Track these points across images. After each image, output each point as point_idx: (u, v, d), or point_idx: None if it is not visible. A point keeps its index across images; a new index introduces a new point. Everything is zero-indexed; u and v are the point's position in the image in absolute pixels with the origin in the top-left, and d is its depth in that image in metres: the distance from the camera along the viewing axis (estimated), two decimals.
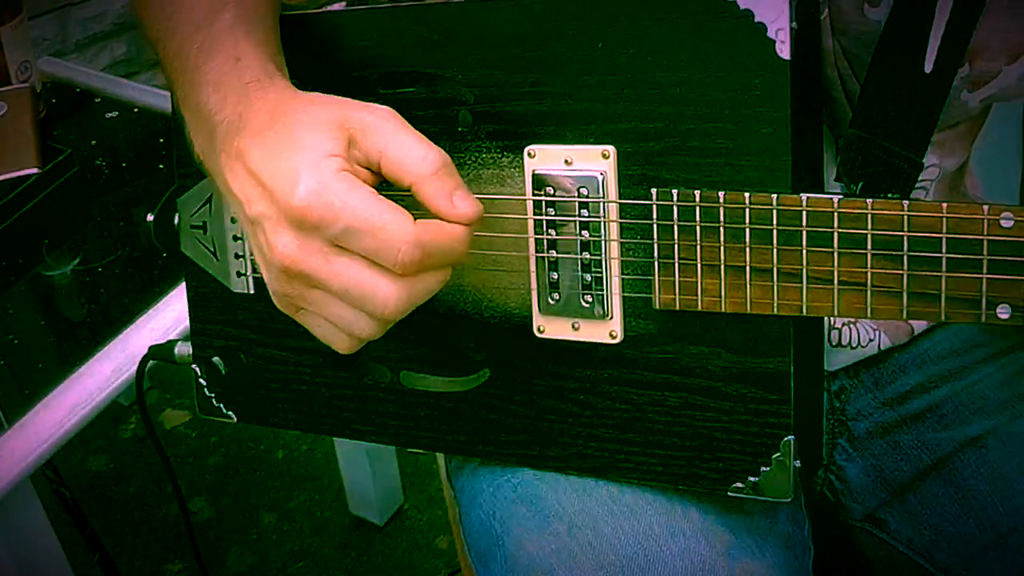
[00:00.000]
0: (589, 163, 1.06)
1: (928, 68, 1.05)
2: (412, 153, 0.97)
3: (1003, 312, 0.99)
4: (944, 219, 0.98)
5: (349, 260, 0.95)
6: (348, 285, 0.96)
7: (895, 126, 1.07)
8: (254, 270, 1.22)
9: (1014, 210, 0.97)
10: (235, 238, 1.22)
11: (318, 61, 1.14)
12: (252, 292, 1.23)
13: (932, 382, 1.32)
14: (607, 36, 1.04)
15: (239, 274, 1.23)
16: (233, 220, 1.22)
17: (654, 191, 1.04)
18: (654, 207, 1.05)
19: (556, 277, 1.09)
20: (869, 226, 1.00)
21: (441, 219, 0.97)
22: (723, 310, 1.05)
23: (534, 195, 1.08)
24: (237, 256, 1.23)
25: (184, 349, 1.29)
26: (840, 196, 1.01)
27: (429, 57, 1.10)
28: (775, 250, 1.02)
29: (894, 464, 1.31)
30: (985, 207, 0.97)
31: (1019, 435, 1.26)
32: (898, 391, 1.33)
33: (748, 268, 1.03)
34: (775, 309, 1.04)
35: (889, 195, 1.08)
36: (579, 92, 1.06)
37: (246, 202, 0.98)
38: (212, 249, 1.24)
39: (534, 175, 1.08)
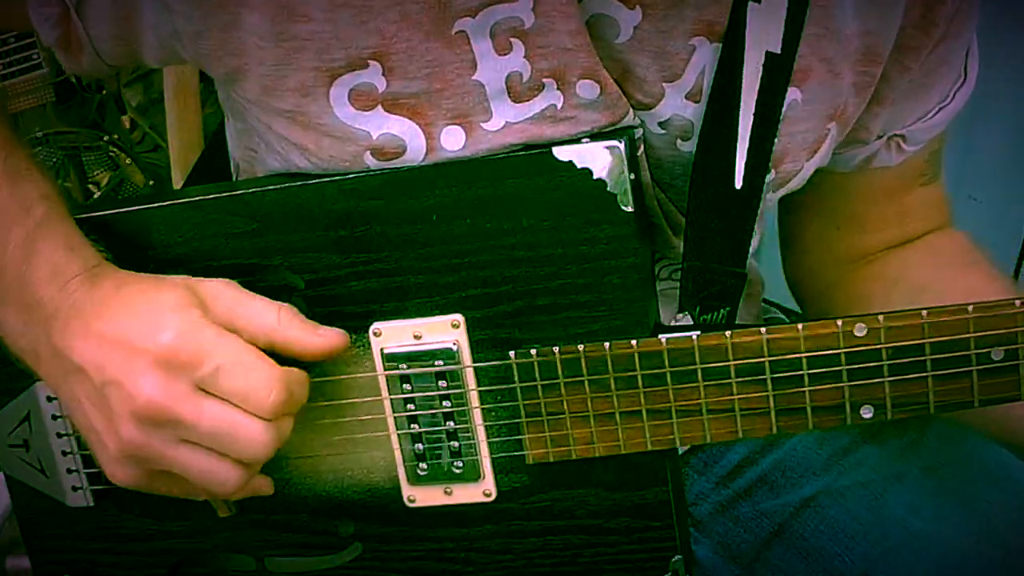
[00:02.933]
0: (439, 335, 1.05)
1: (739, 184, 1.08)
2: (263, 310, 1.00)
3: (867, 412, 1.03)
4: (802, 339, 1.01)
5: (217, 402, 0.96)
6: (217, 427, 0.96)
7: (720, 245, 1.10)
8: (91, 482, 1.16)
9: (866, 320, 1.01)
10: (64, 453, 1.15)
11: (130, 264, 1.07)
12: (92, 504, 1.17)
13: (755, 454, 1.37)
14: (440, 208, 1.02)
15: (75, 488, 1.16)
16: (60, 435, 1.15)
17: (512, 353, 1.03)
18: (515, 370, 1.04)
19: (422, 448, 1.07)
20: (731, 357, 1.02)
21: (307, 356, 1.00)
22: (597, 455, 1.05)
23: (387, 373, 1.06)
24: (70, 471, 1.16)
25: (18, 563, 1.22)
26: (698, 332, 1.02)
27: (248, 247, 1.06)
28: (641, 393, 1.04)
29: (739, 538, 1.35)
30: (839, 321, 1.01)
31: (848, 488, 1.32)
32: (727, 468, 1.37)
33: (617, 414, 1.04)
34: (648, 446, 1.05)
35: (722, 310, 1.11)
36: (418, 266, 1.04)
37: (96, 369, 0.97)
38: (39, 467, 1.16)
39: (384, 353, 1.05)
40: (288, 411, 0.98)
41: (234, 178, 1.25)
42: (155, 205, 1.08)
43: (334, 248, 1.05)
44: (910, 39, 1.15)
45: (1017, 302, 1.01)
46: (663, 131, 1.09)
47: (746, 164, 1.08)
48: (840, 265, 1.35)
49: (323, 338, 1.01)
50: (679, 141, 1.10)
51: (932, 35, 1.15)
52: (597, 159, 1.00)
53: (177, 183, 1.68)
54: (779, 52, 1.06)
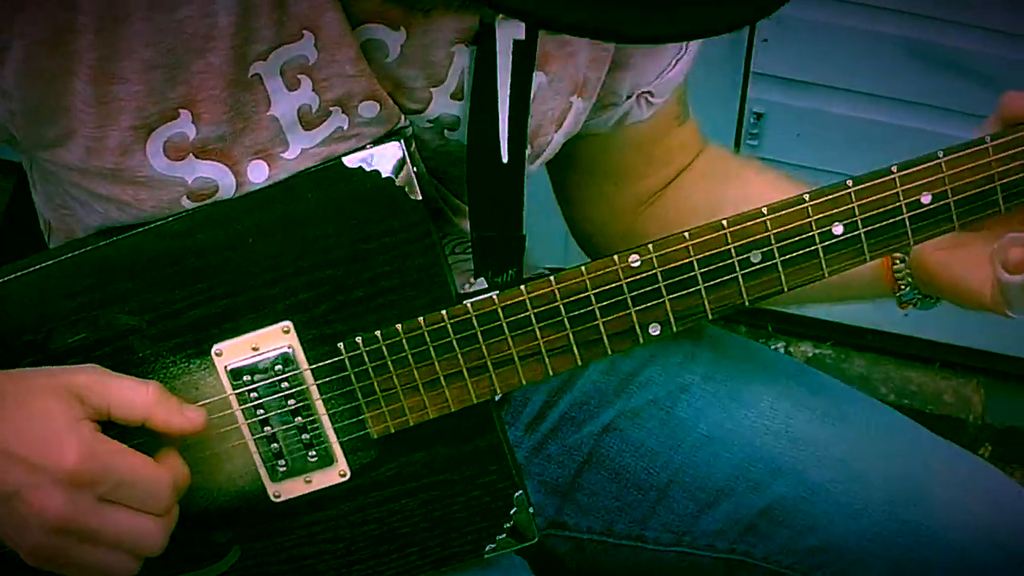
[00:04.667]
0: (274, 343, 1.16)
1: (505, 159, 1.22)
2: (132, 396, 1.11)
3: (654, 330, 1.18)
4: (587, 279, 1.15)
5: (118, 510, 1.08)
6: (121, 534, 1.08)
7: (499, 215, 1.24)
8: None
9: (638, 251, 1.15)
10: None
11: None
12: None
13: (553, 396, 1.53)
14: (254, 231, 1.14)
15: None
16: None
17: (341, 345, 1.16)
18: (346, 360, 1.16)
19: (278, 447, 1.19)
20: (529, 308, 1.16)
21: (175, 434, 1.12)
22: (431, 417, 1.18)
23: (234, 387, 1.17)
24: None
25: None
26: (496, 292, 1.15)
27: (89, 302, 1.15)
28: (459, 355, 1.17)
29: (554, 473, 1.52)
30: (615, 256, 1.15)
31: (640, 408, 1.49)
32: (531, 415, 1.53)
33: (442, 378, 1.17)
34: (474, 400, 1.18)
35: (510, 271, 1.24)
36: (245, 285, 1.15)
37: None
38: None
39: (228, 370, 1.17)
40: (177, 499, 1.12)
41: (46, 236, 1.33)
42: (10, 278, 1.16)
43: (167, 286, 1.15)
44: None
45: (764, 210, 1.15)
46: (431, 126, 1.22)
47: (508, 141, 1.21)
48: (623, 215, 1.49)
49: (189, 420, 1.13)
50: (447, 131, 1.23)
51: None
52: (382, 160, 1.13)
53: None
54: (524, 39, 1.19)
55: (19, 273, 1.16)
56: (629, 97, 1.36)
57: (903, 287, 1.30)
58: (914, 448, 1.47)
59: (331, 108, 1.15)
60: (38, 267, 1.16)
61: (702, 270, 1.16)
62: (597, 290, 1.16)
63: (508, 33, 1.18)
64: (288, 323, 1.16)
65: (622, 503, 1.49)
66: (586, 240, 1.55)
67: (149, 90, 1.10)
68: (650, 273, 1.15)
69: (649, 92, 1.37)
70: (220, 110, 1.12)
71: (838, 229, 1.16)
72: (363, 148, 1.14)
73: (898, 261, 1.30)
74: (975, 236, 1.20)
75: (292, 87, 1.13)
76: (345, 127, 1.16)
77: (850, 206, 1.15)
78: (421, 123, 1.21)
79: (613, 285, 1.16)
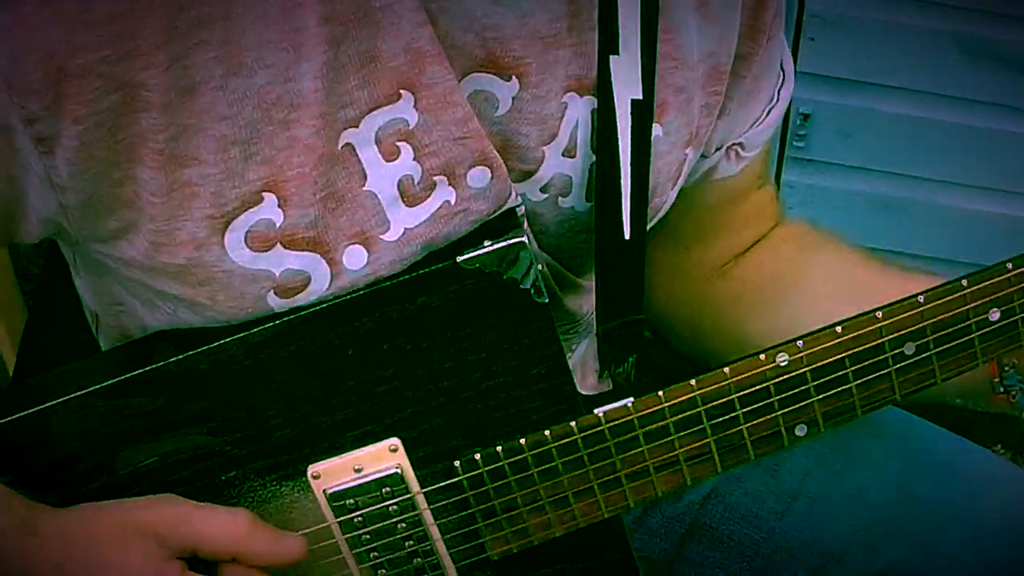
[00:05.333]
0: (380, 463, 1.04)
1: (628, 235, 1.10)
2: (220, 528, 0.98)
3: (800, 431, 1.07)
4: (732, 383, 1.04)
5: None
6: None
7: (623, 299, 1.12)
8: None
9: (786, 349, 1.04)
10: None
11: (30, 472, 1.03)
12: None
13: None
14: (354, 341, 1.01)
15: None
16: None
17: (457, 463, 1.03)
18: (463, 480, 1.04)
19: (386, 574, 1.07)
20: (668, 415, 1.04)
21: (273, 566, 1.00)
22: (557, 535, 1.07)
23: (335, 513, 1.04)
24: None
25: None
26: (631, 400, 1.04)
27: (160, 423, 1.02)
28: (590, 469, 1.05)
29: (656, 547, 1.41)
30: (762, 355, 1.04)
31: (742, 472, 1.38)
32: None
33: (570, 494, 1.06)
34: (605, 515, 1.07)
35: (630, 359, 1.13)
36: (344, 397, 1.02)
37: None
38: None
39: (327, 494, 1.04)
40: None
41: (94, 330, 1.19)
42: (48, 405, 1.01)
43: (252, 403, 1.02)
44: (742, 48, 1.17)
45: (920, 298, 1.05)
46: (545, 195, 1.10)
47: (631, 211, 1.10)
48: (694, 283, 1.38)
49: (287, 549, 1.01)
50: (560, 198, 1.11)
51: (760, 41, 1.18)
52: (504, 259, 1.00)
53: (8, 353, 1.55)
54: (642, 98, 1.08)
55: (81, 392, 1.01)
56: (719, 149, 1.25)
57: (1007, 369, 1.18)
58: None
59: (435, 178, 1.01)
60: (102, 385, 1.01)
61: (853, 367, 1.06)
62: (741, 393, 1.05)
63: (625, 89, 1.07)
64: (396, 440, 1.04)
65: (727, 572, 1.39)
66: (651, 315, 1.42)
67: (227, 172, 0.95)
68: (799, 372, 1.05)
69: (740, 144, 1.26)
70: (310, 191, 0.98)
71: (995, 315, 1.07)
72: (480, 244, 1.00)
73: None
74: None
75: (390, 157, 0.99)
76: (452, 201, 1.02)
77: (1009, 291, 1.07)
78: (533, 192, 1.09)
79: (759, 387, 1.05)
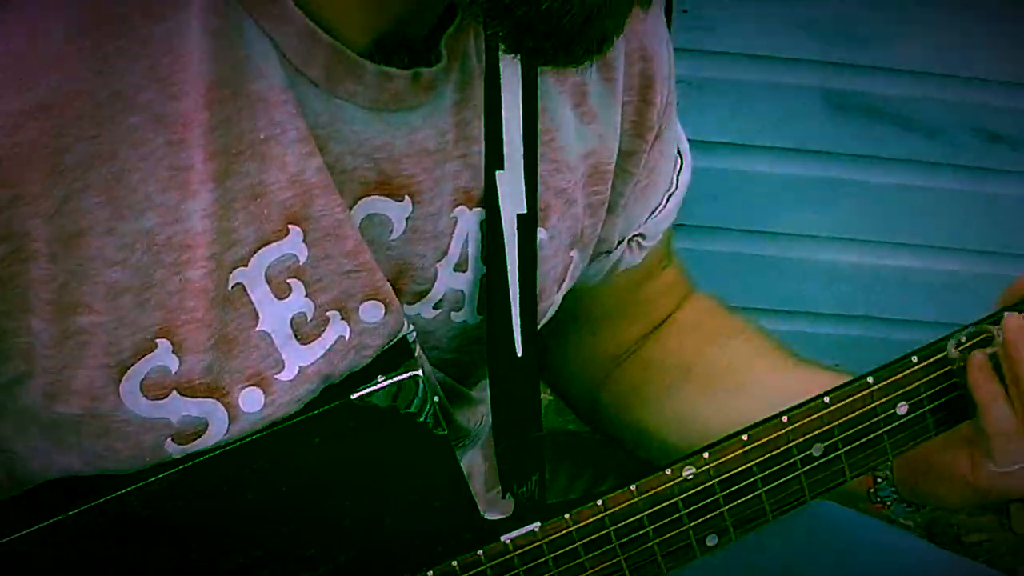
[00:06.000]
0: None
1: (520, 352, 1.07)
2: None
3: (711, 541, 1.06)
4: (639, 500, 1.02)
5: None
6: None
7: (520, 415, 1.09)
8: None
9: (692, 461, 1.03)
10: None
11: None
12: None
13: None
14: (251, 486, 0.97)
15: None
16: None
17: None
18: None
19: None
20: (576, 538, 1.02)
21: None
22: None
23: None
24: None
25: None
26: (538, 524, 1.02)
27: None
28: None
29: None
30: (668, 470, 1.03)
31: None
32: None
33: None
34: None
35: (533, 477, 1.09)
36: (246, 543, 0.99)
37: None
38: None
39: None
40: None
41: None
42: None
43: (151, 552, 0.98)
44: (628, 147, 1.16)
45: (826, 399, 1.05)
46: (438, 311, 1.07)
47: (522, 328, 1.07)
48: (602, 366, 1.36)
49: None
50: (452, 313, 1.08)
51: (647, 138, 1.17)
52: (399, 394, 0.97)
53: None
54: (526, 212, 1.06)
55: None
56: (620, 243, 1.24)
57: (880, 480, 1.19)
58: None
59: (328, 313, 0.98)
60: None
61: (762, 473, 1.04)
62: (650, 510, 1.03)
63: (510, 203, 1.05)
64: None
65: None
66: (561, 393, 1.42)
67: (119, 319, 0.90)
68: (707, 485, 1.03)
69: (641, 235, 1.25)
70: (203, 335, 0.93)
71: (903, 409, 1.07)
72: (374, 379, 0.97)
73: None
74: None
75: (281, 295, 0.95)
76: (347, 336, 0.99)
77: (916, 384, 1.07)
78: (426, 310, 1.06)
79: (668, 503, 1.03)
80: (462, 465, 1.16)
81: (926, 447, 1.13)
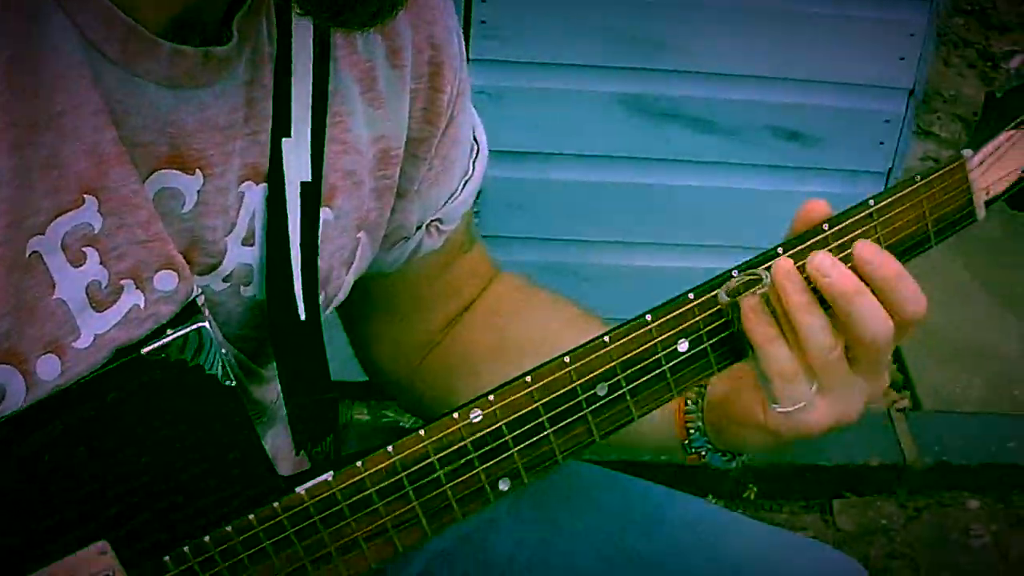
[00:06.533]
0: (91, 568, 1.00)
1: (303, 316, 1.11)
2: None
3: (504, 485, 1.08)
4: (428, 445, 1.05)
5: None
6: None
7: (307, 378, 1.13)
8: None
9: (479, 404, 1.06)
10: None
11: None
12: None
13: None
14: (49, 447, 0.98)
15: None
16: None
17: (168, 559, 1.01)
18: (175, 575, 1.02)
19: None
20: (369, 484, 1.04)
21: None
22: None
23: None
24: None
25: None
26: (331, 473, 1.03)
27: None
28: (299, 548, 1.04)
29: None
30: (455, 414, 1.06)
31: (453, 548, 1.40)
32: None
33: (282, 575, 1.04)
34: None
35: (328, 439, 1.14)
36: (47, 505, 0.99)
37: None
38: None
39: None
40: None
41: None
42: None
43: None
44: (418, 133, 1.20)
45: (606, 338, 1.08)
46: (227, 284, 1.10)
47: (303, 294, 1.11)
48: (413, 352, 1.39)
49: None
50: (242, 288, 1.11)
51: (439, 124, 1.21)
52: (187, 347, 0.99)
53: None
54: (311, 179, 1.08)
55: None
56: (419, 228, 1.28)
57: (692, 432, 1.23)
58: (739, 538, 1.43)
59: (123, 282, 1.00)
60: None
61: (548, 414, 1.07)
62: (440, 454, 1.05)
63: (295, 171, 1.08)
64: (103, 543, 1.01)
65: None
66: (379, 381, 1.44)
67: None
68: (495, 426, 1.06)
69: (439, 220, 1.29)
70: (1, 301, 0.94)
71: (683, 346, 1.10)
72: (162, 334, 0.99)
73: (690, 402, 1.23)
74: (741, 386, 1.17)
75: (77, 262, 0.97)
76: (142, 304, 1.01)
77: (694, 320, 1.10)
78: (216, 283, 1.09)
79: (457, 446, 1.06)
80: (265, 444, 1.18)
81: (724, 393, 1.18)
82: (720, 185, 2.37)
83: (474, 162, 1.29)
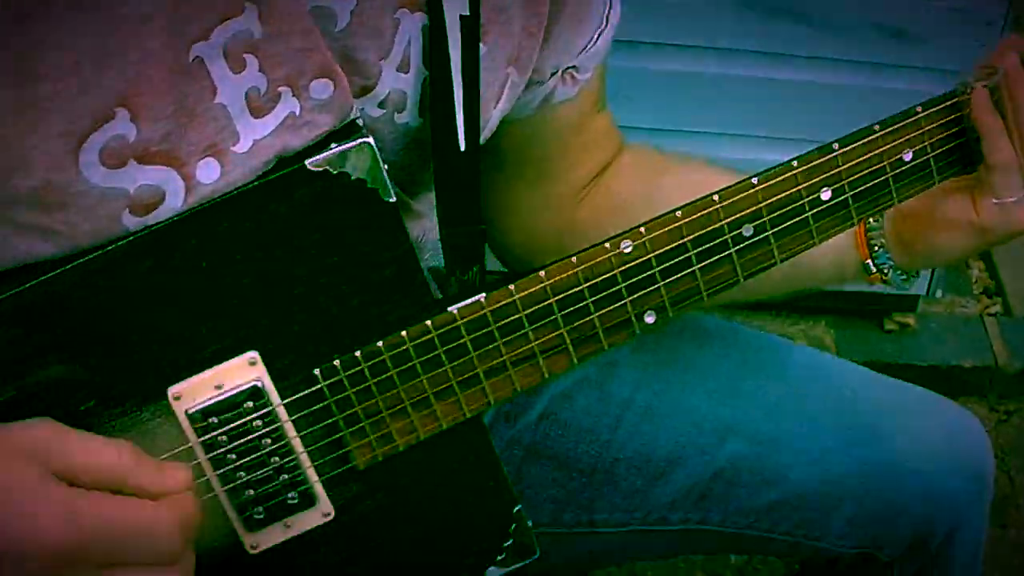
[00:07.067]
0: (240, 377, 1.02)
1: (463, 147, 1.12)
2: (104, 456, 0.92)
3: (650, 318, 1.09)
4: (579, 272, 1.06)
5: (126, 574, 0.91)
6: None
7: (462, 208, 1.14)
8: None
9: (630, 235, 1.07)
10: None
11: None
12: None
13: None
14: (208, 254, 0.99)
15: None
16: None
17: (318, 372, 1.03)
18: (324, 388, 1.03)
19: (252, 493, 1.05)
20: (520, 308, 1.05)
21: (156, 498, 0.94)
22: (422, 439, 1.07)
23: (197, 434, 1.03)
24: None
25: None
26: (483, 295, 1.04)
27: (12, 356, 0.99)
28: (448, 368, 1.06)
29: None
30: (606, 244, 1.06)
31: (571, 390, 1.43)
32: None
33: (431, 395, 1.06)
34: (467, 414, 1.08)
35: (474, 268, 1.14)
36: (200, 313, 1.01)
37: None
38: None
39: (189, 415, 1.02)
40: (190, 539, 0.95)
41: None
42: None
43: (106, 326, 0.99)
44: None
45: (754, 179, 1.09)
46: (382, 110, 1.11)
47: (464, 125, 1.11)
48: (551, 218, 1.39)
49: (175, 481, 0.95)
50: (396, 115, 1.12)
51: None
52: (350, 160, 1.00)
53: None
54: (469, 13, 1.10)
55: None
56: (554, 74, 1.28)
57: (877, 249, 1.26)
58: (860, 387, 1.45)
59: (280, 89, 1.01)
60: None
61: (696, 250, 1.09)
62: (589, 283, 1.07)
63: (453, 4, 1.09)
64: (254, 354, 1.03)
65: (568, 490, 1.42)
66: (510, 252, 1.44)
67: (80, 88, 0.93)
68: (644, 258, 1.07)
69: (574, 67, 1.29)
70: (163, 103, 0.96)
71: (826, 194, 1.12)
72: (326, 147, 1.00)
73: (873, 221, 1.26)
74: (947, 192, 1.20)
75: (237, 69, 0.99)
76: (297, 112, 1.02)
77: (837, 170, 1.12)
78: (371, 108, 1.10)
79: (606, 275, 1.07)
80: None
81: (923, 204, 1.20)
82: (823, 81, 2.35)
83: (607, 16, 1.29)
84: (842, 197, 1.12)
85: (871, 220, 1.25)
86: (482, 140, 1.21)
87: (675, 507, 1.40)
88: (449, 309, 1.05)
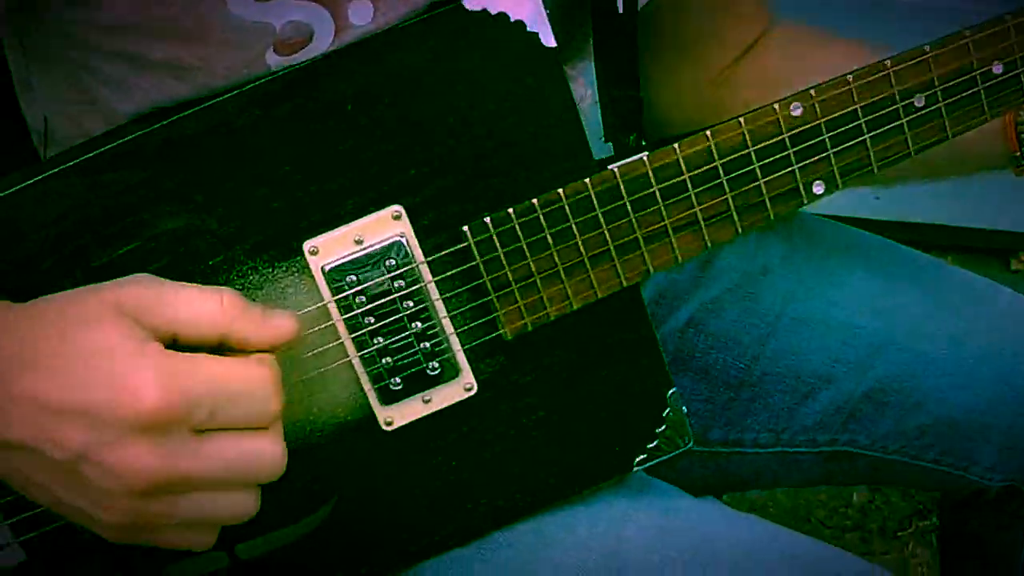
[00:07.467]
0: (383, 232, 0.96)
1: (620, 9, 1.06)
2: (202, 308, 0.85)
3: (818, 188, 1.03)
4: (745, 133, 0.98)
5: (221, 439, 0.84)
6: (232, 467, 0.84)
7: (619, 73, 1.07)
8: (15, 534, 0.98)
9: (799, 98, 1.00)
10: None
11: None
12: (24, 558, 0.99)
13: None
14: (354, 97, 0.92)
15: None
16: None
17: (466, 228, 0.95)
18: (472, 246, 0.95)
19: (390, 362, 0.98)
20: (684, 169, 0.98)
21: (262, 349, 0.87)
22: (575, 308, 0.99)
23: (333, 292, 0.95)
24: None
25: None
26: (646, 153, 0.97)
27: (136, 201, 0.92)
28: (606, 231, 0.98)
29: None
30: (775, 105, 0.99)
31: (719, 298, 1.34)
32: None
33: (586, 260, 0.99)
34: (624, 283, 1.00)
35: (631, 136, 1.07)
36: (343, 161, 0.94)
37: (54, 444, 0.81)
38: None
39: (325, 272, 0.95)
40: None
41: (42, 153, 1.07)
42: (21, 186, 0.91)
43: (239, 173, 0.93)
44: None
45: (927, 47, 1.02)
46: None
47: None
48: (698, 94, 1.32)
49: (277, 328, 0.88)
50: None
51: None
52: (510, 1, 0.93)
53: None
54: None
55: (43, 175, 0.91)
56: None
57: None
58: (1015, 310, 1.36)
59: None
60: (67, 165, 0.91)
61: (866, 118, 1.01)
62: (757, 146, 0.99)
63: None
64: (398, 207, 0.95)
65: (714, 405, 1.34)
66: (657, 131, 1.35)
67: None
68: (814, 124, 1.00)
69: None
70: None
71: (998, 68, 1.04)
72: None
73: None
74: None
75: None
76: None
77: (1009, 42, 1.04)
78: None
79: (774, 140, 1.00)
80: None
81: None
82: None
83: None
84: (1013, 72, 1.04)
85: (1021, 113, 1.16)
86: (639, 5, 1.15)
87: (823, 428, 1.31)
88: (609, 167, 0.97)
